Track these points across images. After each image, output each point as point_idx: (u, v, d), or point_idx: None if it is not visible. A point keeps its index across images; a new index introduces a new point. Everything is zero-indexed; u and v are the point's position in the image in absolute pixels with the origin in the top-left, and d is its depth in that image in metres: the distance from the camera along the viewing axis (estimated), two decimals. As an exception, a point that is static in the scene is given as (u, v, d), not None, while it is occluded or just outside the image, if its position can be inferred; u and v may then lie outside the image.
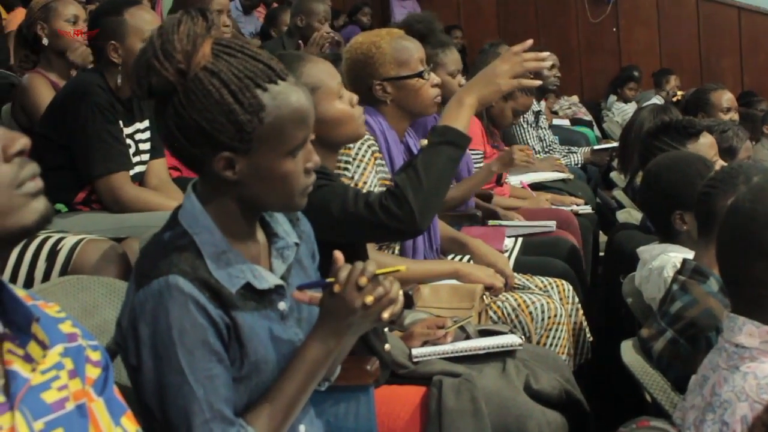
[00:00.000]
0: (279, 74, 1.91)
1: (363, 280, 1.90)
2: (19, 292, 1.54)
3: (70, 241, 3.09)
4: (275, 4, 11.64)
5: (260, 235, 2.05)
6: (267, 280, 1.98)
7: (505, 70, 2.83)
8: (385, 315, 1.93)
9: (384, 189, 2.71)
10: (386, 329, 2.84)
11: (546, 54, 2.93)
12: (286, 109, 1.89)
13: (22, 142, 1.42)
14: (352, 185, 2.98)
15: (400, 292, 1.97)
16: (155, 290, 1.85)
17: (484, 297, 3.37)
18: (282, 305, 2.01)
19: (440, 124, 2.75)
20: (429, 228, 3.49)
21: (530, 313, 3.64)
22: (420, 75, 3.43)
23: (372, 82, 3.43)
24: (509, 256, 4.10)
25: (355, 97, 2.79)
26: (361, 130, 2.83)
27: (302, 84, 2.01)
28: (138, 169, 3.65)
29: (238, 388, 1.95)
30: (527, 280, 3.96)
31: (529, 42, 2.92)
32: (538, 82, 3.02)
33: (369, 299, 1.90)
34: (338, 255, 1.97)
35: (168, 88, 1.86)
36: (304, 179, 1.96)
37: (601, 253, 5.53)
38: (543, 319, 3.65)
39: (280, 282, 2.01)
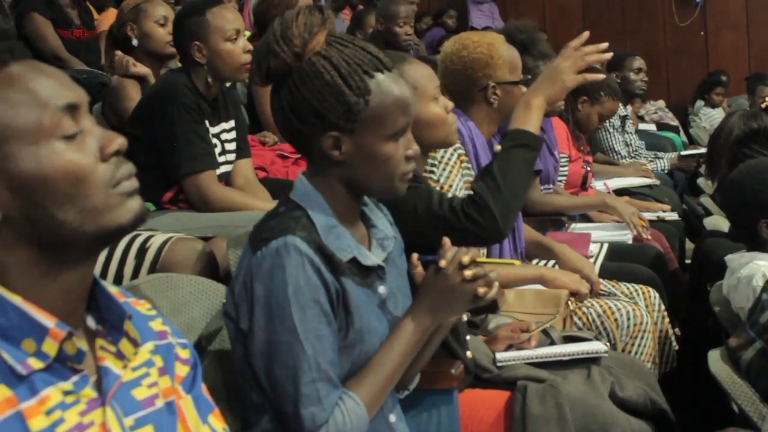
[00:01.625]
0: (385, 65, 2.07)
1: (466, 258, 2.04)
2: (112, 289, 1.57)
3: (158, 239, 3.12)
4: (361, 7, 11.70)
5: (361, 226, 2.17)
6: (371, 258, 2.09)
7: (568, 67, 2.85)
8: (481, 290, 2.05)
9: (466, 195, 2.72)
10: (469, 336, 2.83)
11: (604, 45, 2.91)
12: (390, 96, 2.04)
13: (119, 141, 1.45)
14: (438, 188, 2.98)
15: (497, 283, 2.09)
16: (273, 249, 1.97)
17: (570, 303, 3.34)
18: (382, 289, 2.11)
19: (511, 128, 2.77)
20: (514, 231, 3.47)
21: (616, 320, 3.60)
22: (526, 83, 3.42)
23: (487, 84, 3.42)
24: (594, 262, 4.06)
25: (450, 104, 2.82)
26: (452, 137, 2.87)
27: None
28: (224, 168, 3.69)
29: (342, 357, 2.04)
30: (613, 286, 3.92)
31: (586, 34, 2.93)
32: (602, 76, 2.99)
33: (468, 273, 2.04)
34: (446, 240, 2.15)
35: (285, 70, 2.03)
36: (404, 165, 2.09)
37: (688, 261, 5.45)
38: (628, 327, 3.61)
39: (382, 263, 2.12)
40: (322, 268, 1.97)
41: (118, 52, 4.32)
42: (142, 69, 4.25)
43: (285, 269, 1.95)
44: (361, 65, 2.03)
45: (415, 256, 2.20)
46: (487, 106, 3.44)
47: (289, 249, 1.95)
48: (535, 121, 2.80)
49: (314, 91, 2.01)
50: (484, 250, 3.33)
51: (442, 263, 2.07)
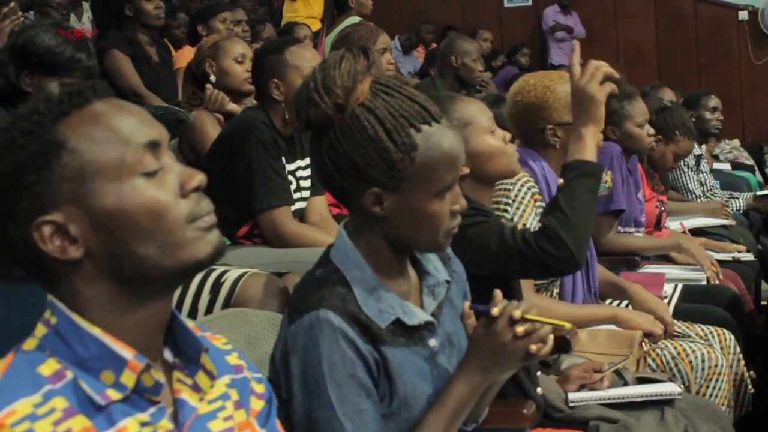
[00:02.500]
0: (433, 116, 1.94)
1: (517, 313, 1.91)
2: (189, 323, 1.58)
3: (233, 274, 3.15)
4: (434, 45, 11.76)
5: (411, 272, 2.06)
6: (417, 316, 1.99)
7: (587, 82, 2.83)
8: (533, 347, 1.91)
9: (537, 229, 2.72)
10: (540, 372, 2.82)
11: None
12: (438, 151, 1.92)
13: (199, 178, 1.47)
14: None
15: (551, 336, 1.95)
16: (306, 324, 1.89)
17: (643, 344, 3.31)
18: (432, 342, 2.01)
19: (570, 160, 2.77)
20: (588, 271, 3.45)
21: (690, 362, 3.56)
22: None
23: (544, 126, 3.42)
24: (669, 303, 4.02)
25: (508, 135, 2.82)
26: (514, 167, 2.85)
27: (455, 123, 2.03)
28: (299, 205, 3.72)
29: (388, 424, 1.95)
30: (687, 327, 3.88)
31: (577, 45, 2.92)
32: (617, 75, 2.96)
33: (520, 329, 1.90)
34: (497, 292, 1.98)
35: (325, 121, 1.91)
36: (449, 221, 1.97)
37: (764, 302, 5.38)
38: (703, 369, 3.57)
39: (430, 318, 2.01)
40: (357, 340, 1.89)
41: (210, 87, 4.39)
42: (233, 106, 4.31)
43: (319, 345, 1.87)
44: (408, 118, 1.90)
45: (466, 305, 2.05)
46: (552, 147, 3.44)
47: (322, 324, 1.87)
48: (590, 148, 2.79)
49: (357, 146, 1.89)
50: (556, 291, 3.32)
51: (494, 311, 1.93)
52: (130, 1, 5.81)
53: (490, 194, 2.91)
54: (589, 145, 2.80)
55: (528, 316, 1.92)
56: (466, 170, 2.58)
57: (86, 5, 8.92)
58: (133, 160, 1.42)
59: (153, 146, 1.45)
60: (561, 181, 2.74)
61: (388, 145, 1.88)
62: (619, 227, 4.57)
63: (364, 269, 1.95)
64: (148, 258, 1.42)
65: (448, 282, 2.11)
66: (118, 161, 1.41)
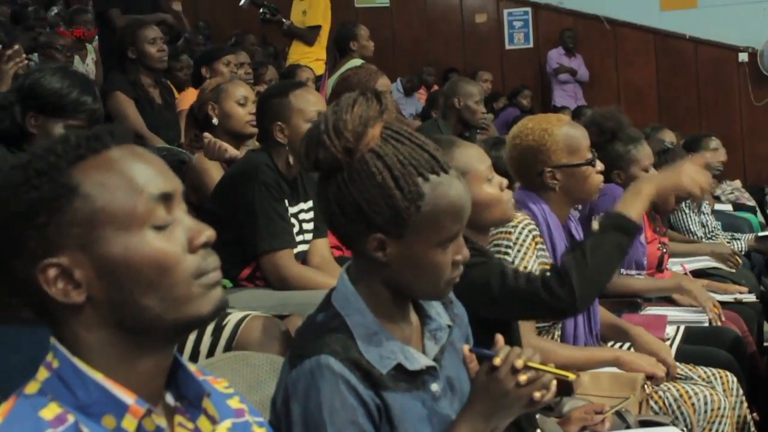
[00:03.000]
0: (442, 166, 1.94)
1: (519, 363, 1.91)
2: (191, 367, 1.59)
3: (235, 317, 3.15)
4: (436, 87, 11.81)
5: (413, 317, 2.06)
6: (419, 361, 1.98)
7: (691, 170, 2.87)
8: (537, 395, 1.92)
9: (550, 267, 2.73)
10: (541, 414, 2.81)
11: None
12: (444, 201, 1.92)
13: (208, 234, 1.47)
14: None
15: (554, 383, 1.96)
16: (307, 370, 1.89)
17: (646, 386, 3.30)
18: (434, 386, 2.01)
19: (615, 210, 2.77)
20: (589, 313, 3.45)
21: (693, 404, 3.55)
22: (590, 163, 3.43)
23: (543, 169, 3.42)
24: (671, 345, 4.01)
25: (505, 181, 2.85)
26: (509, 214, 2.88)
27: (452, 164, 2.03)
28: (301, 247, 3.72)
29: None
30: (690, 370, 3.87)
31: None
32: (703, 199, 3.04)
33: (522, 378, 1.90)
34: (499, 337, 1.99)
35: (334, 164, 1.91)
36: (451, 271, 1.97)
37: (766, 344, 5.36)
38: (706, 411, 3.55)
39: (432, 363, 2.01)
40: (358, 386, 1.88)
41: (208, 135, 4.40)
42: (232, 152, 4.32)
43: (319, 391, 1.87)
44: (417, 167, 1.90)
45: (466, 348, 2.04)
46: (554, 190, 3.45)
47: (323, 370, 1.87)
48: (638, 207, 2.81)
49: (363, 191, 1.89)
50: (558, 333, 3.32)
51: (496, 361, 1.93)
52: (133, 44, 5.84)
53: (485, 237, 2.94)
54: (640, 204, 2.84)
55: (531, 364, 1.92)
56: None
57: (90, 47, 8.99)
58: (144, 211, 1.42)
59: (166, 198, 1.45)
60: (596, 225, 2.75)
61: (394, 193, 1.88)
62: (621, 269, 4.57)
63: (365, 315, 1.95)
64: (150, 309, 1.42)
65: (449, 326, 2.10)
66: (129, 211, 1.41)
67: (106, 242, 1.40)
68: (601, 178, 3.50)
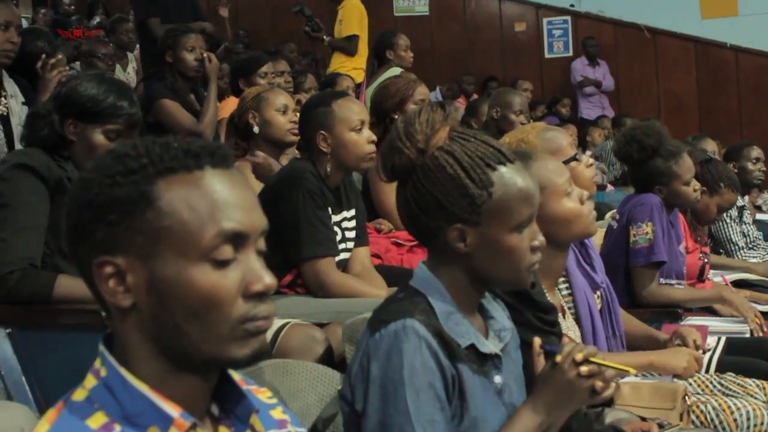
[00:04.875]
0: (507, 157, 2.09)
1: (579, 356, 2.03)
2: (235, 375, 1.58)
3: (275, 324, 3.15)
4: (475, 96, 11.80)
5: (479, 317, 2.17)
6: (488, 346, 2.09)
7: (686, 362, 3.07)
8: (599, 384, 2.03)
9: None
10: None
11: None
12: (513, 188, 2.07)
13: (266, 283, 1.44)
14: None
15: (614, 381, 2.07)
16: (392, 331, 1.99)
17: (687, 397, 3.28)
18: (498, 379, 2.11)
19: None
20: (610, 315, 3.38)
21: (735, 419, 3.51)
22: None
23: None
24: (712, 355, 3.98)
25: (585, 193, 2.78)
26: (590, 229, 2.84)
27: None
28: (343, 255, 3.73)
29: None
30: (731, 382, 3.84)
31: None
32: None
33: (584, 369, 2.02)
34: (566, 338, 2.17)
35: (409, 165, 2.08)
36: (529, 256, 2.10)
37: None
38: (748, 427, 3.52)
39: (498, 351, 2.11)
40: (439, 352, 1.98)
41: (261, 154, 4.42)
42: (275, 165, 4.34)
43: (402, 351, 1.96)
44: (484, 158, 2.06)
45: (537, 342, 2.19)
46: None
47: (408, 331, 1.97)
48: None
49: (438, 185, 2.05)
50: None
51: (558, 358, 2.06)
52: (172, 48, 5.86)
53: (564, 258, 2.87)
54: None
55: (592, 359, 2.03)
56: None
57: (131, 56, 9.05)
58: (209, 244, 1.40)
59: (237, 237, 1.42)
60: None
61: (466, 182, 2.04)
62: (661, 279, 4.54)
63: (444, 296, 2.07)
64: (189, 336, 1.41)
65: (512, 330, 2.21)
66: (193, 241, 1.39)
67: (162, 261, 1.39)
68: (592, 171, 3.44)
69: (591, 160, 3.50)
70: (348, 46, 9.12)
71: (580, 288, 2.99)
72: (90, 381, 1.45)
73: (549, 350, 2.13)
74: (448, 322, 2.03)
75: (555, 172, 2.75)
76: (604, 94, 12.68)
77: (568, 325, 2.77)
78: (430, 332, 1.98)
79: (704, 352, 3.84)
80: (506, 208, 2.06)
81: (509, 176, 2.07)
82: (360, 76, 8.62)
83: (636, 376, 3.33)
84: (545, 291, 2.64)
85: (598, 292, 3.17)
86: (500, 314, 2.22)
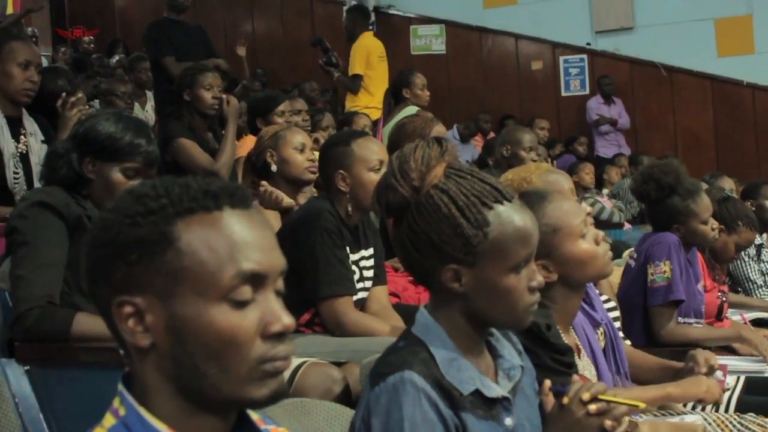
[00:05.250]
0: (504, 195, 2.04)
1: (586, 395, 2.01)
2: (253, 415, 1.58)
3: (293, 363, 3.15)
4: (492, 134, 11.82)
5: (487, 356, 2.12)
6: (495, 389, 2.04)
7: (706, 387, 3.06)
8: (608, 423, 2.00)
9: None
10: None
11: None
12: (510, 227, 2.01)
13: (285, 324, 1.44)
14: None
15: (626, 417, 2.04)
16: (390, 385, 1.94)
17: (706, 436, 3.25)
18: (508, 421, 2.05)
19: None
20: (614, 352, 3.36)
21: (756, 459, 3.48)
22: None
23: None
24: (731, 395, 3.96)
25: (601, 234, 2.74)
26: (606, 270, 2.78)
27: (543, 229, 2.20)
28: (361, 294, 3.72)
29: None
30: (751, 422, 3.81)
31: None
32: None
33: (593, 408, 2.00)
34: (575, 376, 2.12)
35: (403, 203, 2.03)
36: (527, 297, 2.05)
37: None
38: (769, 466, 3.49)
39: (506, 394, 2.06)
40: (439, 403, 1.94)
41: (264, 184, 4.43)
42: (288, 201, 4.34)
43: (401, 405, 1.91)
44: (480, 197, 2.01)
45: (547, 383, 2.16)
46: None
47: (406, 384, 1.92)
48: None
49: (432, 224, 2.00)
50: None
51: (565, 400, 2.04)
52: (190, 87, 5.89)
53: (579, 298, 2.82)
54: None
55: (601, 397, 2.01)
56: (554, 276, 2.58)
57: (150, 94, 9.11)
58: (228, 285, 1.40)
59: (256, 278, 1.42)
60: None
61: (461, 222, 1.99)
62: (679, 318, 4.53)
63: (445, 342, 2.02)
64: (209, 377, 1.41)
65: (522, 367, 2.16)
66: (213, 281, 1.40)
67: (182, 301, 1.40)
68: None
69: (589, 209, 3.49)
70: (351, 85, 9.23)
71: (579, 325, 2.97)
72: (109, 420, 1.45)
73: (557, 390, 2.09)
74: (449, 369, 1.99)
75: (570, 213, 2.69)
76: (619, 132, 12.68)
77: (583, 365, 2.75)
78: (429, 383, 1.94)
79: (723, 391, 3.82)
80: (502, 248, 2.01)
81: (506, 215, 2.02)
82: (374, 114, 8.64)
83: (655, 415, 3.31)
84: (560, 331, 2.62)
85: (601, 329, 3.14)
86: (509, 351, 2.17)
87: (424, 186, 2.02)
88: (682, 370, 3.43)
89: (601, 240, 2.74)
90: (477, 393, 2.00)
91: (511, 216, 2.03)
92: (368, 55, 9.31)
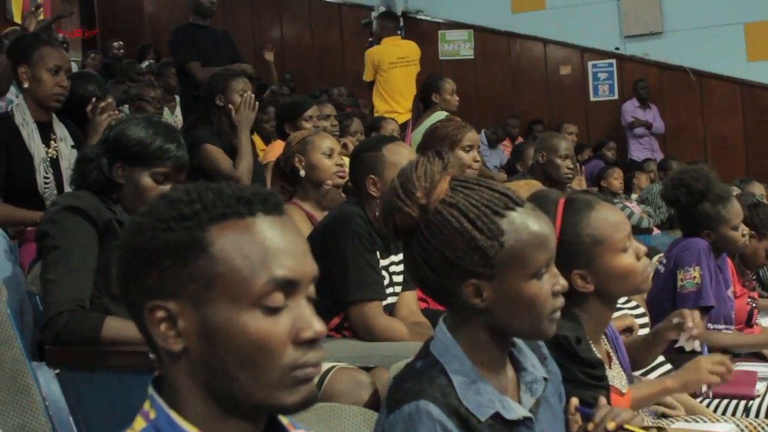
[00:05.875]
0: (515, 201, 1.98)
1: (611, 425, 1.96)
2: (283, 419, 1.58)
3: (322, 367, 3.15)
4: (520, 139, 11.80)
5: (509, 369, 2.07)
6: (516, 411, 1.98)
7: (708, 367, 2.93)
8: None
9: None
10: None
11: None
12: (525, 233, 1.94)
13: (316, 330, 1.44)
14: None
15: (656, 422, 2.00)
16: (405, 414, 1.89)
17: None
18: None
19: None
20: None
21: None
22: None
23: None
24: (761, 402, 3.94)
25: (642, 249, 2.66)
26: (643, 286, 2.71)
27: (585, 240, 2.25)
28: (390, 300, 3.72)
29: None
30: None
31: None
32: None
33: None
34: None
35: (411, 223, 1.97)
36: (551, 302, 1.99)
37: None
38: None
39: (528, 414, 2.01)
40: None
41: (329, 183, 4.46)
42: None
43: None
44: (490, 206, 1.95)
45: (574, 402, 2.12)
46: None
47: (422, 415, 1.87)
48: (647, 393, 2.94)
49: (445, 240, 1.94)
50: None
51: (590, 426, 2.00)
52: (222, 92, 5.89)
53: (610, 312, 2.76)
54: (651, 392, 3.02)
55: (627, 426, 1.96)
56: (591, 287, 2.55)
57: (179, 99, 9.15)
58: (260, 291, 1.40)
59: (288, 284, 1.42)
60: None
61: (474, 234, 1.92)
62: (709, 324, 4.50)
63: (464, 362, 1.96)
64: (239, 381, 1.41)
65: (545, 379, 2.10)
66: (245, 288, 1.40)
67: (214, 307, 1.40)
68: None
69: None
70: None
71: (609, 328, 2.95)
72: (139, 423, 1.45)
73: (584, 413, 2.06)
74: (467, 393, 1.93)
75: (615, 226, 2.59)
76: (654, 136, 12.63)
77: (614, 374, 2.73)
78: (445, 413, 1.88)
79: (753, 398, 3.80)
80: (521, 255, 1.94)
81: (520, 222, 1.95)
82: (401, 119, 8.65)
83: (687, 420, 3.30)
84: (591, 342, 2.59)
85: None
86: (533, 363, 2.11)
87: (431, 202, 1.96)
88: (663, 330, 3.29)
89: (642, 255, 2.66)
90: (497, 415, 1.95)
91: (525, 221, 1.96)
92: (378, 62, 9.48)
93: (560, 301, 2.01)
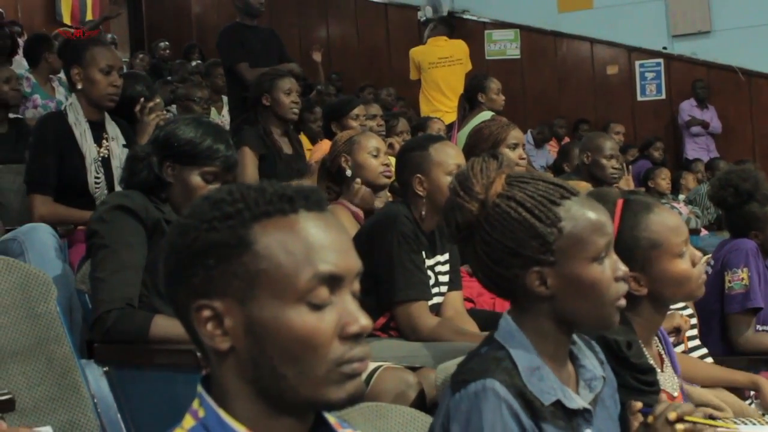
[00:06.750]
0: (570, 191, 2.06)
1: (672, 415, 1.99)
2: (330, 418, 1.58)
3: (368, 366, 3.16)
4: (567, 139, 11.74)
5: (569, 364, 2.11)
6: (576, 401, 2.02)
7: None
8: None
9: None
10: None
11: None
12: (582, 219, 2.02)
13: (362, 325, 1.45)
14: None
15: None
16: (471, 392, 1.94)
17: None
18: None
19: None
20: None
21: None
22: None
23: None
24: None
25: (698, 255, 2.61)
26: (696, 293, 2.65)
27: (642, 243, 2.31)
28: (436, 300, 3.72)
29: None
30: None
31: None
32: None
33: (679, 428, 1.99)
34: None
35: (472, 219, 2.05)
36: (614, 286, 2.04)
37: None
38: None
39: (588, 406, 2.04)
40: (520, 413, 1.92)
41: (358, 182, 4.47)
42: (378, 203, 4.37)
43: (482, 413, 1.91)
44: (546, 196, 2.02)
45: (637, 405, 2.14)
46: None
47: (487, 393, 1.92)
48: None
49: (505, 232, 2.01)
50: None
51: (650, 419, 2.03)
52: (269, 92, 5.91)
53: (661, 319, 2.69)
54: None
55: (688, 418, 1.99)
56: (644, 291, 2.53)
57: (226, 99, 9.20)
58: (305, 287, 1.41)
59: (332, 279, 1.43)
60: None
61: (533, 222, 1.99)
62: (758, 326, 4.47)
63: (529, 350, 2.01)
64: (287, 379, 1.42)
65: (603, 378, 2.13)
66: (290, 284, 1.41)
67: (260, 304, 1.41)
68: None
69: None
70: None
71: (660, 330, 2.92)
72: (188, 421, 1.47)
73: (644, 412, 2.08)
74: (531, 378, 1.97)
75: (673, 230, 2.54)
76: (711, 136, 12.52)
77: (666, 378, 2.71)
78: (510, 393, 1.92)
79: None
80: (579, 240, 2.01)
81: (576, 209, 2.03)
82: (447, 119, 8.64)
83: (735, 422, 3.27)
84: (643, 347, 2.57)
85: None
86: (592, 362, 2.14)
87: (490, 197, 2.04)
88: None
89: (698, 261, 2.61)
90: (558, 403, 1.98)
91: (581, 208, 2.03)
92: (419, 62, 9.65)
93: (623, 286, 2.06)
